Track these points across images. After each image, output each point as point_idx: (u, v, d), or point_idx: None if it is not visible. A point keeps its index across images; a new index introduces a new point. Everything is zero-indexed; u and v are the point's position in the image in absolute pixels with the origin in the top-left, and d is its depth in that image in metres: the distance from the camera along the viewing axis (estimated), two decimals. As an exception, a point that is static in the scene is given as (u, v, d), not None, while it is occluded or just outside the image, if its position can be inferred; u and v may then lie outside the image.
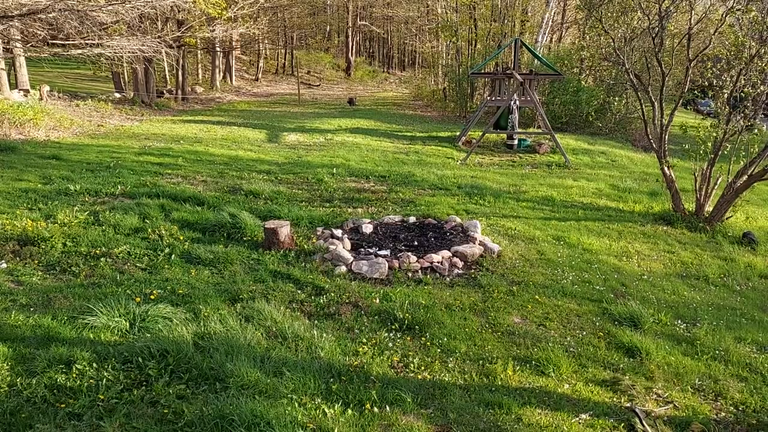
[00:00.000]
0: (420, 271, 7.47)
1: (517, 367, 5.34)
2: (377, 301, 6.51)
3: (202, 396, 4.60)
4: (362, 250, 7.99)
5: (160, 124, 20.13)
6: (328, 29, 58.96)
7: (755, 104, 10.20)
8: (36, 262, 7.13)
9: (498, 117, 18.13)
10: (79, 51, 15.39)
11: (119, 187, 10.71)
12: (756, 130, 10.06)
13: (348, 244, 8.13)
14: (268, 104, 29.20)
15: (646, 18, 10.94)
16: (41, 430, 4.14)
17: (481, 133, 17.62)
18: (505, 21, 27.39)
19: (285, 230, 7.91)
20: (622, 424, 4.61)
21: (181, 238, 8.13)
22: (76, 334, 5.40)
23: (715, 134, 10.19)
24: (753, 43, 9.57)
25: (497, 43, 26.67)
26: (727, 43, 10.62)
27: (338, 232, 8.53)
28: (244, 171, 12.87)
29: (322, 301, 6.44)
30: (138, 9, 15.19)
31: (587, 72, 24.74)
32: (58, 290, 6.35)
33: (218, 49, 31.66)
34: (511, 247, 8.61)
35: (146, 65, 23.69)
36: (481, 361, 5.43)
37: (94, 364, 4.86)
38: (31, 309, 5.92)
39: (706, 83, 10.56)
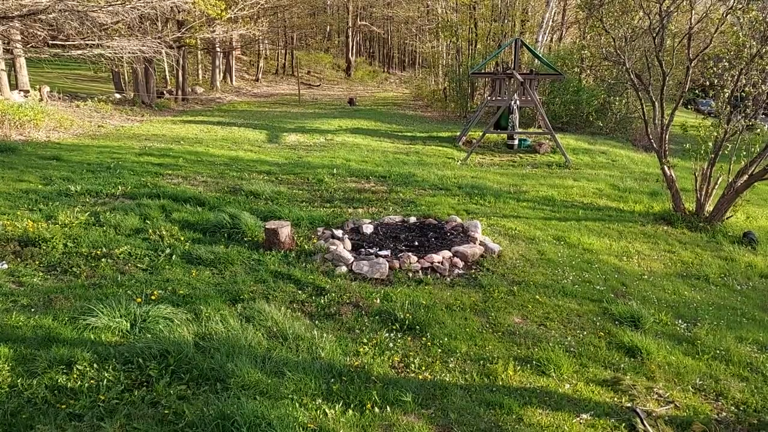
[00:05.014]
0: (420, 271, 7.47)
1: (518, 367, 5.34)
2: (378, 301, 6.51)
3: (203, 396, 4.60)
4: (363, 250, 7.99)
5: (161, 124, 20.14)
6: (328, 29, 58.96)
7: (756, 104, 10.19)
8: (37, 262, 7.13)
9: (498, 117, 18.13)
10: (80, 51, 15.40)
11: (120, 188, 10.71)
12: (758, 130, 10.06)
13: (348, 244, 8.13)
14: (268, 104, 29.21)
15: (647, 18, 10.94)
16: (42, 430, 4.14)
17: (481, 133, 17.62)
18: (505, 21, 27.39)
19: (286, 230, 7.91)
20: (623, 424, 4.61)
21: (182, 238, 8.13)
22: (77, 335, 5.40)
23: (715, 134, 10.19)
24: (754, 43, 9.57)
25: (497, 42, 26.67)
26: (728, 42, 10.62)
27: (339, 233, 8.53)
28: (244, 171, 12.87)
29: (322, 301, 6.44)
30: (138, 10, 15.20)
31: (588, 72, 24.75)
32: (59, 291, 6.35)
33: (218, 49, 31.67)
34: (511, 247, 8.61)
35: (146, 66, 23.70)
36: (481, 361, 5.43)
37: (95, 365, 4.86)
38: (32, 310, 5.93)
39: (707, 83, 10.55)
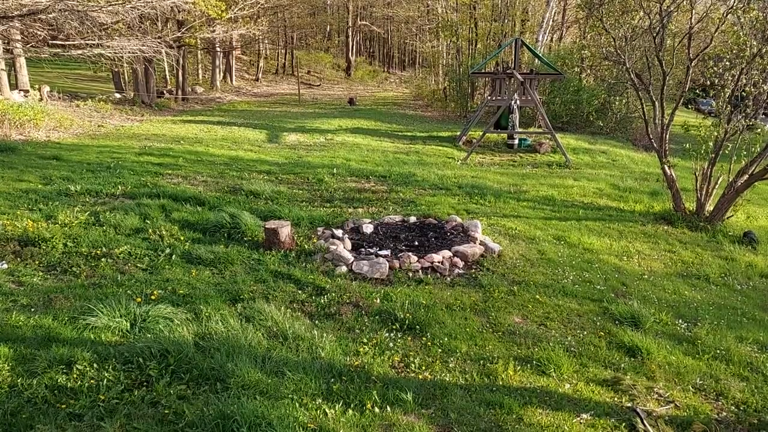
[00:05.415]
0: (420, 271, 7.47)
1: (518, 367, 5.33)
2: (378, 301, 6.51)
3: (203, 396, 4.60)
4: (363, 250, 7.99)
5: (161, 124, 20.14)
6: (328, 29, 58.96)
7: (756, 103, 10.19)
8: (37, 262, 7.12)
9: (498, 117, 18.12)
10: (80, 51, 15.39)
11: (120, 188, 10.71)
12: (758, 130, 10.05)
13: (348, 244, 8.12)
14: (268, 104, 29.20)
15: (647, 17, 10.93)
16: (42, 430, 4.14)
17: (481, 133, 17.62)
18: (506, 20, 27.39)
19: (286, 230, 7.91)
20: (623, 424, 4.60)
21: (182, 238, 8.13)
22: (77, 335, 5.39)
23: (716, 133, 10.19)
24: (754, 43, 9.56)
25: (497, 42, 26.66)
26: (728, 42, 10.61)
27: (339, 232, 8.52)
28: (244, 171, 12.87)
29: (322, 301, 6.43)
30: (138, 9, 15.19)
31: (588, 71, 24.74)
32: (59, 291, 6.35)
33: (218, 49, 31.66)
34: (511, 247, 8.60)
35: (146, 65, 23.69)
36: (482, 361, 5.42)
37: (95, 365, 4.86)
38: (32, 309, 5.92)
39: (707, 82, 10.55)
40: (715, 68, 10.23)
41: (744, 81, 9.97)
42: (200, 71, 35.95)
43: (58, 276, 6.84)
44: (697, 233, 9.99)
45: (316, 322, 5.99)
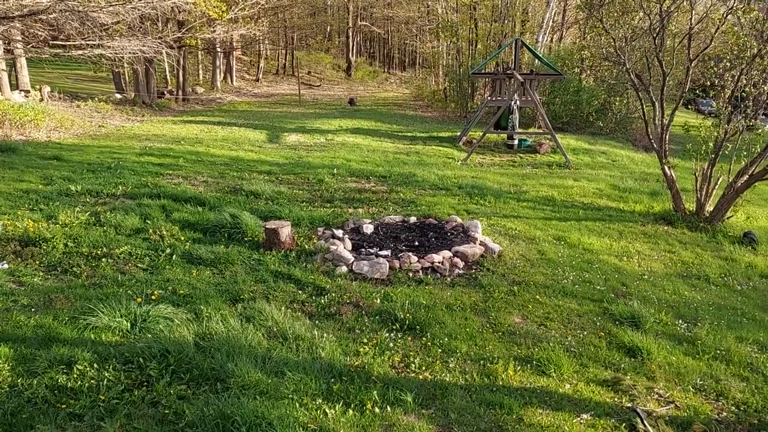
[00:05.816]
0: (421, 271, 7.47)
1: (518, 367, 5.34)
2: (378, 301, 6.51)
3: (203, 396, 4.60)
4: (363, 250, 7.99)
5: (161, 124, 20.15)
6: (328, 30, 59.01)
7: (756, 104, 10.19)
8: (37, 262, 7.13)
9: (498, 117, 18.13)
10: (80, 52, 15.41)
11: (120, 188, 10.71)
12: (758, 130, 10.06)
13: (349, 244, 8.13)
14: (268, 105, 29.21)
15: (647, 18, 10.94)
16: (42, 430, 4.14)
17: (481, 133, 17.62)
18: (506, 21, 27.40)
19: (286, 230, 7.91)
20: (624, 424, 4.60)
21: (182, 238, 8.13)
22: (77, 335, 5.40)
23: (716, 134, 10.19)
24: (754, 43, 9.57)
25: (498, 43, 26.67)
26: (728, 42, 10.62)
27: (339, 233, 8.53)
28: (245, 171, 12.88)
29: (323, 301, 6.44)
30: (139, 10, 15.21)
31: (588, 72, 24.75)
32: (60, 291, 6.36)
33: (219, 49, 31.69)
34: (511, 247, 8.61)
35: (147, 66, 23.72)
36: (482, 361, 5.42)
37: (95, 365, 4.86)
38: (33, 309, 5.93)
39: (707, 83, 10.56)
40: (715, 69, 10.23)
41: (744, 81, 9.98)
42: (201, 72, 35.99)
43: (59, 276, 6.85)
44: (697, 233, 10.00)
45: (317, 322, 5.99)
